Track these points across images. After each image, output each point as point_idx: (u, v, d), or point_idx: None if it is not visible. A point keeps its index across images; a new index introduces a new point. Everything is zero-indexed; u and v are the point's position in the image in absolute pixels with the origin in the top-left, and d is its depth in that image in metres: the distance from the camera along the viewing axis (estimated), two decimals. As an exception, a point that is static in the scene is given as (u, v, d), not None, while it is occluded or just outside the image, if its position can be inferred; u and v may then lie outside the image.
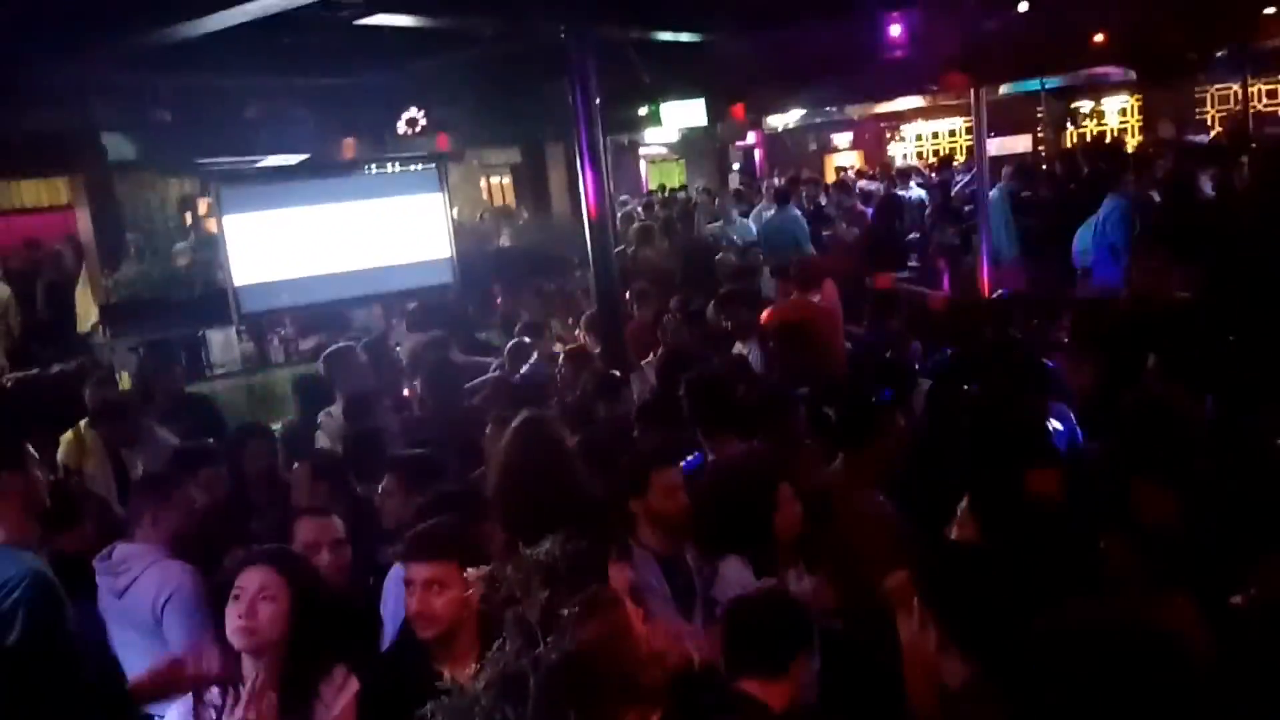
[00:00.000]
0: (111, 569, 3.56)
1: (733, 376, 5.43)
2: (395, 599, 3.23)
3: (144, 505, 3.73)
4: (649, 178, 21.04)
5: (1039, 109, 18.04)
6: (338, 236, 8.71)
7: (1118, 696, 2.16)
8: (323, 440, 5.58)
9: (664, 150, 20.80)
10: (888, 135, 22.06)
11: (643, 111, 10.93)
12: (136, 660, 3.54)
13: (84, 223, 10.45)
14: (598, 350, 6.58)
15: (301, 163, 10.10)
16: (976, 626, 2.19)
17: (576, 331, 7.35)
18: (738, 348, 6.39)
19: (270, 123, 9.67)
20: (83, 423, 5.80)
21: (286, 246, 8.50)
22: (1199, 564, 2.75)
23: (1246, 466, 3.24)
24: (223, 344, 8.43)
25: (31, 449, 3.35)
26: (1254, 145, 11.41)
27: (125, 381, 7.40)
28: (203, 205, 11.65)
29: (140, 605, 3.45)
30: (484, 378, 6.46)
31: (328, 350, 6.36)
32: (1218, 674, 2.52)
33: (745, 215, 11.77)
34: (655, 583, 3.27)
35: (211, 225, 9.85)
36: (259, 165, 9.95)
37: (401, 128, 10.21)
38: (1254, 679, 2.60)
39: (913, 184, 13.75)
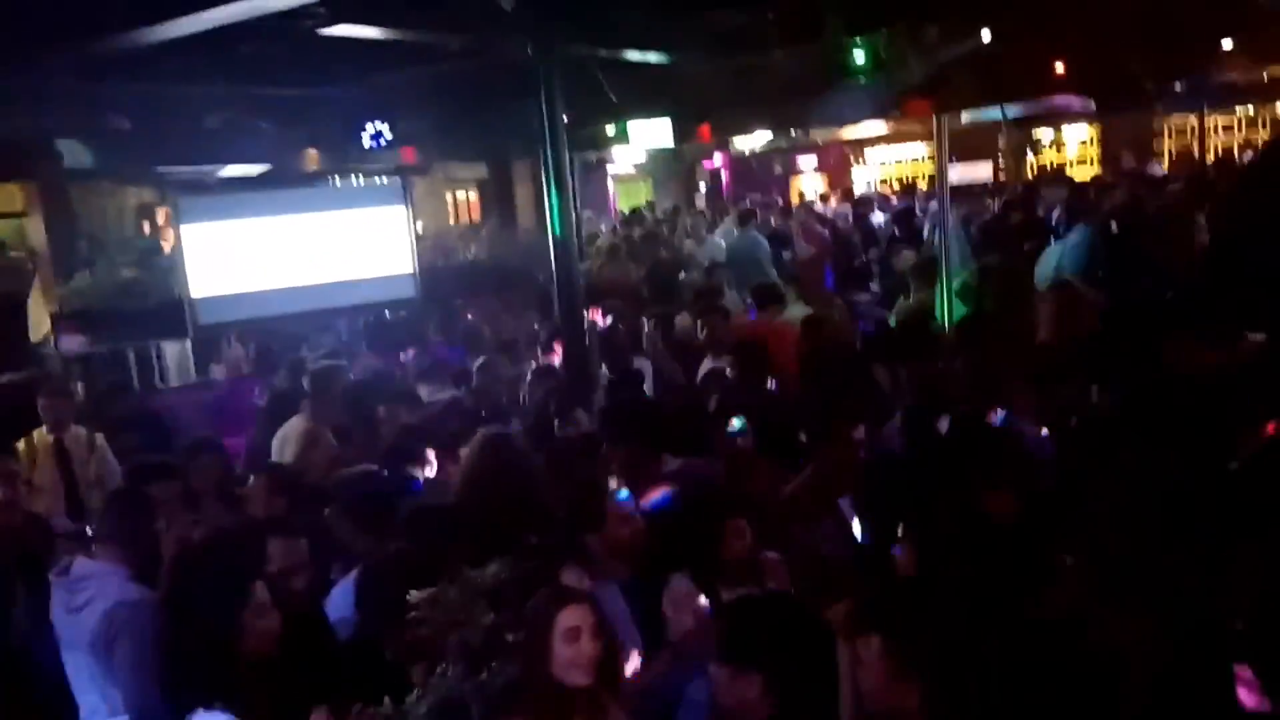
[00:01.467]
0: (68, 585, 3.46)
1: (705, 390, 5.51)
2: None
3: (111, 522, 3.64)
4: (617, 196, 21.10)
5: (1000, 137, 18.30)
6: (298, 249, 8.60)
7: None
8: (282, 454, 5.49)
9: (632, 170, 20.86)
10: (852, 160, 22.27)
11: (610, 130, 10.93)
12: (82, 681, 3.44)
13: (38, 230, 10.26)
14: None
15: (263, 174, 9.98)
16: (924, 652, 2.17)
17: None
18: (708, 363, 6.39)
19: (231, 132, 9.53)
20: (36, 433, 5.69)
21: (245, 258, 8.37)
22: (1153, 582, 2.77)
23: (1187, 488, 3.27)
24: (177, 357, 8.29)
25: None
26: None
27: (79, 393, 7.24)
28: (161, 215, 11.48)
29: (93, 627, 3.33)
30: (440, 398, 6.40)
31: (316, 367, 6.28)
32: (1165, 694, 2.54)
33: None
34: (618, 608, 3.24)
35: (169, 235, 9.70)
36: (219, 175, 9.82)
37: (366, 140, 10.11)
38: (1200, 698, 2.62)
39: (876, 210, 13.98)
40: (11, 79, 7.69)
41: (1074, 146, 19.68)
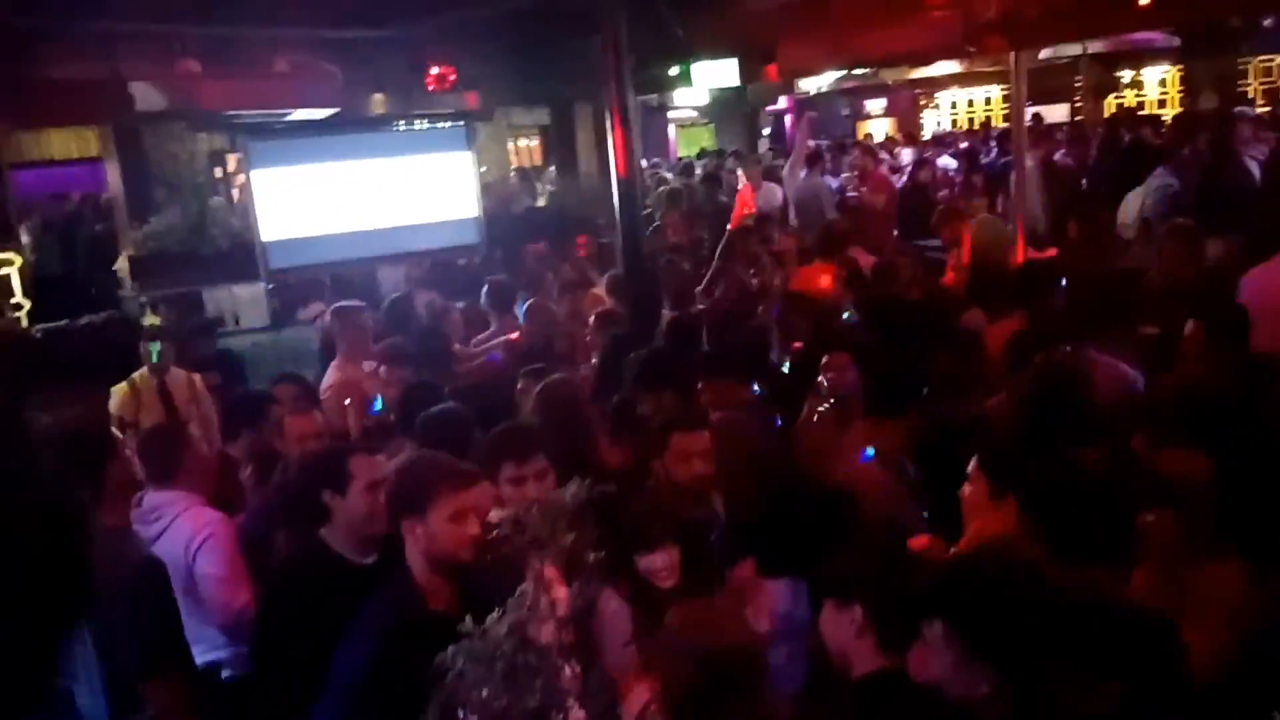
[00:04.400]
0: (142, 517, 3.58)
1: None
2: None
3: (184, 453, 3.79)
4: (678, 142, 20.88)
5: (1077, 78, 17.68)
6: (365, 193, 8.70)
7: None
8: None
9: (694, 114, 20.59)
10: (922, 102, 21.70)
11: (673, 71, 10.73)
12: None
13: (113, 175, 10.48)
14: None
15: (330, 117, 10.04)
16: (994, 638, 2.01)
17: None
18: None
19: (299, 76, 9.58)
20: (137, 374, 5.71)
21: (314, 202, 8.50)
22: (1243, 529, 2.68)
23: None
24: (249, 300, 8.43)
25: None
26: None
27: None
28: (232, 160, 11.64)
29: (173, 551, 3.46)
30: (495, 341, 6.44)
31: (336, 306, 6.30)
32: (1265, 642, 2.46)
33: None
34: None
35: (240, 180, 9.83)
36: (287, 119, 9.90)
37: (430, 84, 10.10)
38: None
39: (944, 154, 13.63)
40: (84, 22, 7.81)
41: (1153, 88, 18.93)
